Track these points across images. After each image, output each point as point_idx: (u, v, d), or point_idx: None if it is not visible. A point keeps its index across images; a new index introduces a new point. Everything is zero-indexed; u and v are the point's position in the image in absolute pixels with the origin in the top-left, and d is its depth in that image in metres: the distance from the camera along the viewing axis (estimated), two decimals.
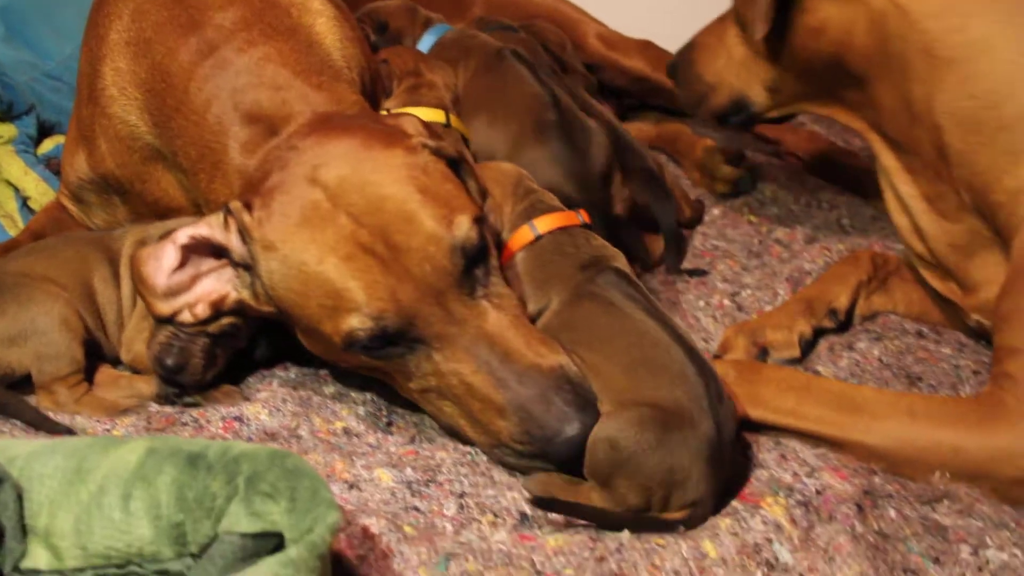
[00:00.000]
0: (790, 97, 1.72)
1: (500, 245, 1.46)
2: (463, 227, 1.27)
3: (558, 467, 1.25)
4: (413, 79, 1.84)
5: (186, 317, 1.35)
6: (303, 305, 1.27)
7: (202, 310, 1.35)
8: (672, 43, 2.53)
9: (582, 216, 1.49)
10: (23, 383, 1.41)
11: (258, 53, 1.44)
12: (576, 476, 1.25)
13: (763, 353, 1.60)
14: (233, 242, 1.30)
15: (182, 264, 1.33)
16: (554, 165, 1.70)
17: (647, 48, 2.46)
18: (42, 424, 1.35)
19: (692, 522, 1.21)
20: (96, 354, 1.48)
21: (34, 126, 2.10)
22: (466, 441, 1.34)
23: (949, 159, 1.45)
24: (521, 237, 1.46)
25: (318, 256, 1.24)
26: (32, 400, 1.40)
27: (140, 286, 1.35)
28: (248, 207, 1.29)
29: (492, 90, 1.87)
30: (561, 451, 1.23)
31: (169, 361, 1.38)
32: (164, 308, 1.35)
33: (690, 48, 1.87)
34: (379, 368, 1.32)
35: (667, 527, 1.20)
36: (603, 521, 1.21)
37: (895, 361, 1.61)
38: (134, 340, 1.47)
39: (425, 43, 2.10)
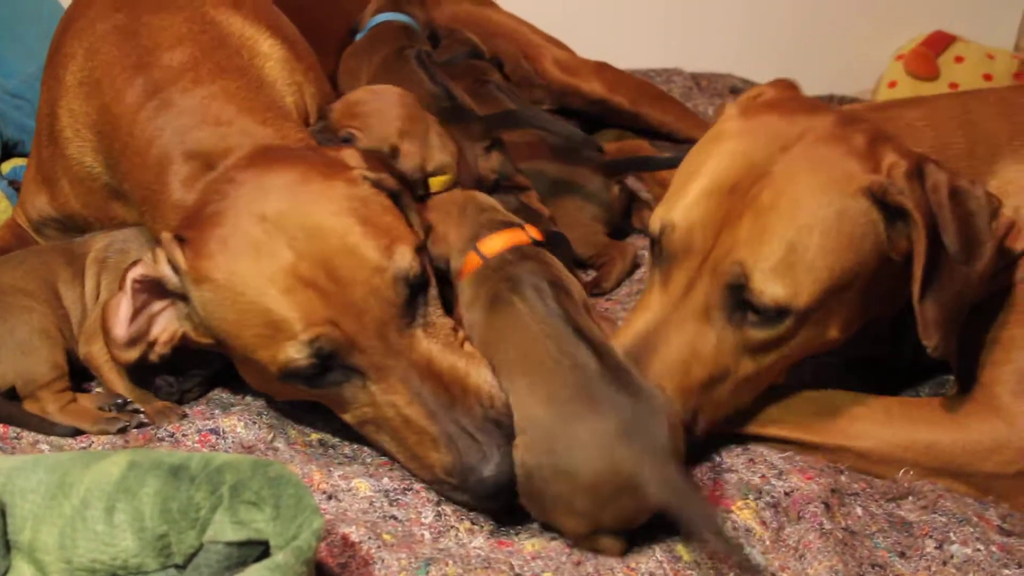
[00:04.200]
0: None
1: (450, 273, 1.46)
2: (406, 257, 1.26)
3: (479, 504, 1.24)
4: None
5: (152, 358, 1.34)
6: (237, 335, 1.25)
7: (161, 349, 1.34)
8: (626, 63, 2.59)
9: (530, 232, 1.47)
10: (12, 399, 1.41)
11: (203, 92, 1.43)
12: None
13: None
14: (166, 273, 1.29)
15: (138, 311, 1.32)
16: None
17: (602, 70, 2.49)
18: (46, 429, 1.36)
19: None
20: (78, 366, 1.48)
21: None
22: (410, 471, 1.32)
23: None
24: (470, 262, 1.44)
25: (256, 288, 1.22)
26: None
27: (107, 341, 1.34)
28: (181, 240, 1.27)
29: None
30: (478, 489, 1.21)
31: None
32: (130, 355, 1.33)
33: None
34: (315, 398, 1.31)
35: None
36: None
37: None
38: (94, 337, 1.44)
39: (368, 27, 2.16)
